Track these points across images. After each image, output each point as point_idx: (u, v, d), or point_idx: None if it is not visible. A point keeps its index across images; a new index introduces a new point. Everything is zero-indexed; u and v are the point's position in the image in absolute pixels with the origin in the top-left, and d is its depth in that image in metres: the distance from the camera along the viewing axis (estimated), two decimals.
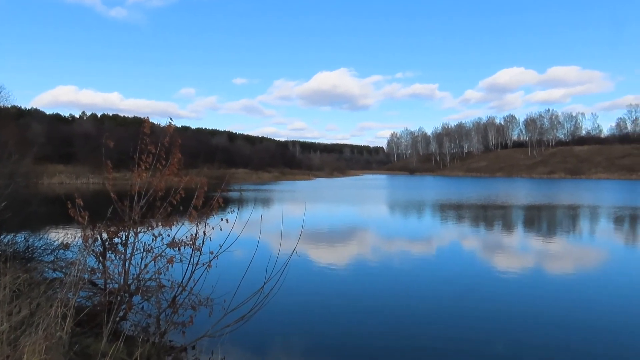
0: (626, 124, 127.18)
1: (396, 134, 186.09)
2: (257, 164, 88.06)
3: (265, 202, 33.78)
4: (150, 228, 5.68)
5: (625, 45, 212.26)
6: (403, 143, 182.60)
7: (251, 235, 6.94)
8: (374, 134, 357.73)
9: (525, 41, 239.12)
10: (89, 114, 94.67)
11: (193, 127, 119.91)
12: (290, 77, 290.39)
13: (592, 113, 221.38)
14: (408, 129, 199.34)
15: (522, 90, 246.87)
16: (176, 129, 6.33)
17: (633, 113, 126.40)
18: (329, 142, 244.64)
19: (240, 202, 31.03)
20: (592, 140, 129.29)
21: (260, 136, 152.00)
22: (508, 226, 21.57)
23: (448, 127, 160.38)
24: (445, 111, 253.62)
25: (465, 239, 17.26)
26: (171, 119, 5.97)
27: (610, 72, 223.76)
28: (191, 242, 5.47)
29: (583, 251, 15.26)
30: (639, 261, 13.88)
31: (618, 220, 23.81)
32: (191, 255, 5.46)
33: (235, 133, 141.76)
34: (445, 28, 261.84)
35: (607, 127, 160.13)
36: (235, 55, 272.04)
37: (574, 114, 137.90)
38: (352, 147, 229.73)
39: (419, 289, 9.95)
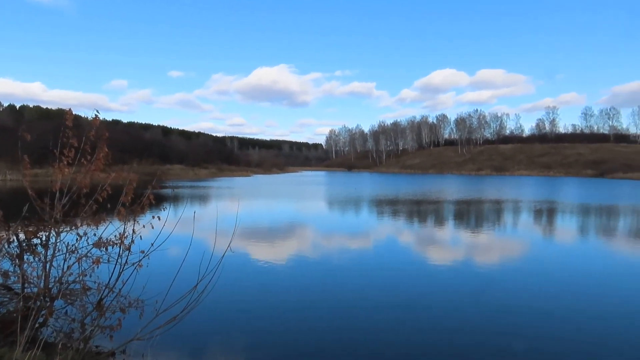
0: (545, 124, 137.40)
1: (334, 131, 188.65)
2: (193, 160, 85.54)
3: (201, 199, 32.93)
4: (74, 227, 5.33)
5: (545, 52, 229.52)
6: (341, 140, 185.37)
7: (185, 233, 6.73)
8: (313, 131, 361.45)
9: (457, 44, 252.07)
10: (5, 104, 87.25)
11: (125, 121, 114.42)
12: (229, 71, 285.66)
13: (515, 114, 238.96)
14: (346, 126, 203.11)
15: (453, 91, 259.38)
16: (104, 122, 5.99)
17: (550, 115, 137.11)
18: (267, 138, 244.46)
19: (175, 199, 30.03)
20: (515, 139, 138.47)
21: (197, 131, 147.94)
22: (440, 220, 22.58)
23: (384, 125, 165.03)
24: (382, 109, 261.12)
25: (401, 232, 17.85)
26: (97, 111, 5.64)
27: (532, 75, 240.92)
28: (120, 241, 5.20)
29: (508, 241, 16.30)
30: (557, 248, 15.09)
31: (541, 212, 25.76)
32: (119, 255, 5.20)
33: (170, 128, 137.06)
34: (383, 29, 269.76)
35: (528, 127, 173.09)
36: (171, 46, 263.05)
37: (499, 115, 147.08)
38: (291, 144, 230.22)
39: (358, 283, 10.13)
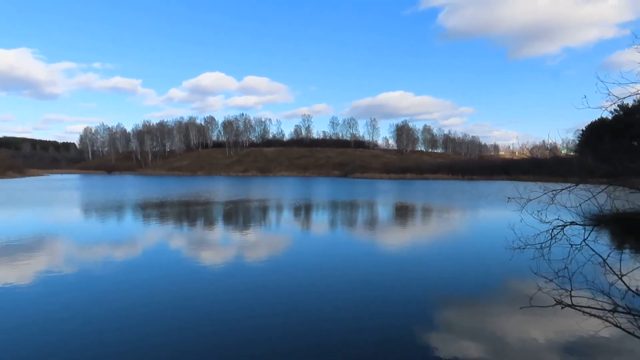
0: (302, 130, 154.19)
1: (91, 129, 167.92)
2: None
3: None
4: None
5: (301, 66, 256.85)
6: (99, 139, 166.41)
7: None
8: (64, 128, 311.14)
9: (226, 50, 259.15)
10: None
11: None
12: None
13: (277, 119, 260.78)
14: (105, 124, 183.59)
15: (222, 94, 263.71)
16: None
17: (306, 122, 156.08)
18: (0, 134, 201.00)
19: None
20: (277, 143, 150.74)
21: None
22: (210, 221, 22.75)
23: (149, 124, 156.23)
24: (149, 108, 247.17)
25: (171, 237, 17.23)
26: None
27: (291, 86, 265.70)
28: None
29: (270, 237, 17.62)
30: (316, 238, 17.11)
31: (300, 209, 28.67)
32: None
33: None
34: (151, 24, 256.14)
35: (288, 132, 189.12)
36: None
37: (263, 120, 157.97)
38: (35, 142, 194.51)
39: (122, 297, 9.38)
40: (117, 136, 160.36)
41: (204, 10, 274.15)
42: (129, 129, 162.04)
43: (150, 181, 77.76)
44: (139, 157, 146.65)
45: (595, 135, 74.86)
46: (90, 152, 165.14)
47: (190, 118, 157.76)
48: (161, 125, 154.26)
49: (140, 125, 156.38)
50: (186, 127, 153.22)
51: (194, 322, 7.71)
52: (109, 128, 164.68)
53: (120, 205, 30.14)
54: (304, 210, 28.92)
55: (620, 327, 5.07)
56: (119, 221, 22.61)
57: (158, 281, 10.57)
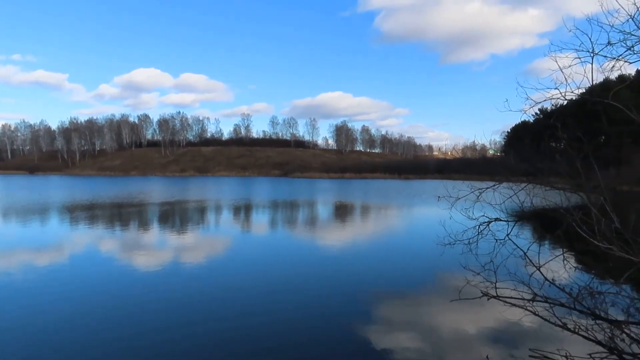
0: (241, 129, 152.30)
1: (10, 126, 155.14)
2: None
3: None
4: None
5: (241, 65, 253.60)
6: (20, 137, 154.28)
7: None
8: None
9: (161, 45, 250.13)
10: None
11: None
12: None
13: (215, 118, 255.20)
14: (26, 120, 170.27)
15: (157, 91, 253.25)
16: None
17: (246, 121, 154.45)
18: None
19: None
20: (216, 142, 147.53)
21: None
22: (145, 223, 21.84)
23: (77, 121, 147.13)
24: (77, 104, 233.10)
25: (101, 241, 16.36)
26: None
27: (231, 84, 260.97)
28: None
29: (208, 239, 17.26)
30: (258, 241, 16.95)
31: (242, 209, 28.25)
32: None
33: None
34: (77, 14, 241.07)
35: (227, 131, 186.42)
36: None
37: (201, 118, 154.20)
38: None
39: (50, 306, 8.80)
40: (40, 134, 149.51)
41: (136, 2, 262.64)
42: (54, 126, 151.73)
43: (78, 182, 73.25)
44: (66, 157, 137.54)
45: (517, 137, 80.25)
46: (9, 151, 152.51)
47: (123, 115, 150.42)
48: (90, 122, 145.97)
49: (67, 123, 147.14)
50: (118, 125, 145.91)
51: (134, 327, 7.39)
52: (31, 125, 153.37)
53: (44, 208, 28.11)
54: (243, 210, 28.57)
55: (538, 315, 5.48)
56: (42, 225, 21.07)
57: (93, 287, 10.03)
